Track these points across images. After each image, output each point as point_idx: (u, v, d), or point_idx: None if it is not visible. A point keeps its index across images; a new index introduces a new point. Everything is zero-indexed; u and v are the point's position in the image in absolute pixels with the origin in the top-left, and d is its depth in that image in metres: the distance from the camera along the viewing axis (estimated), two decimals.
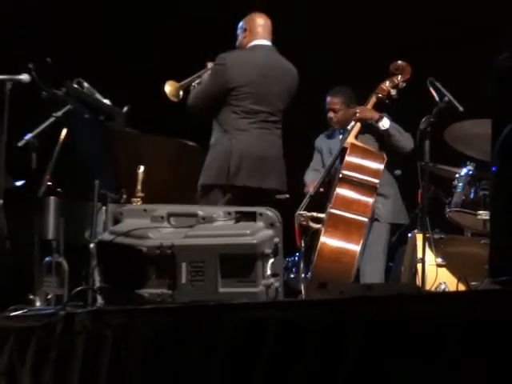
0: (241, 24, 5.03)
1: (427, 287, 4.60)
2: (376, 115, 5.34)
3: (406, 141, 5.28)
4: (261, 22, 4.98)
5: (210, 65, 5.08)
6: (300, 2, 6.86)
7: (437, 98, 4.76)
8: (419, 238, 4.88)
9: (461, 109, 4.79)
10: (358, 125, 5.36)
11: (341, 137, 5.51)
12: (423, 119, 4.73)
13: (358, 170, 5.12)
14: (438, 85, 4.79)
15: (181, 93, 5.10)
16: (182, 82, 5.13)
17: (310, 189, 5.36)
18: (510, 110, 2.45)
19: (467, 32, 6.24)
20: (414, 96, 5.13)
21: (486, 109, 2.67)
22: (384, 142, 5.35)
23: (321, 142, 5.71)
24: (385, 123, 5.31)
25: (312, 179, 5.52)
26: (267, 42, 4.98)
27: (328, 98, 5.59)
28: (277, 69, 4.93)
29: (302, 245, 5.15)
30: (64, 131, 5.17)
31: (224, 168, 4.76)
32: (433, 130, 4.70)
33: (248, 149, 4.79)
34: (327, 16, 6.73)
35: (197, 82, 5.09)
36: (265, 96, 4.85)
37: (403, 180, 5.48)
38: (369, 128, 5.40)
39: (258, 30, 4.96)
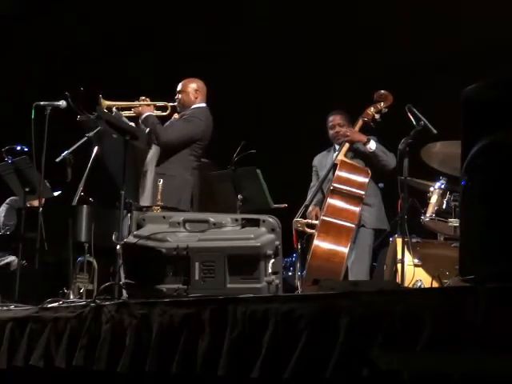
0: (193, 86, 5.28)
1: (406, 284, 4.60)
2: (364, 138, 5.31)
3: (389, 160, 5.25)
4: (203, 86, 5.32)
5: (143, 99, 5.27)
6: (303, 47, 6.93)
7: (414, 122, 4.77)
8: (399, 241, 4.87)
9: (434, 131, 4.78)
10: (347, 144, 5.36)
11: (334, 154, 5.51)
12: (402, 140, 4.73)
13: (346, 183, 5.12)
14: (415, 110, 4.79)
15: (105, 110, 5.19)
16: (110, 103, 5.24)
17: (312, 213, 5.32)
18: (475, 133, 2.46)
19: (441, 62, 6.27)
20: (395, 120, 5.14)
21: (456, 131, 2.67)
22: (370, 160, 5.33)
23: (317, 160, 5.67)
24: (372, 145, 5.29)
25: (313, 207, 5.42)
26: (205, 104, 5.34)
27: (331, 117, 5.50)
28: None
29: (299, 247, 5.16)
30: (95, 149, 5.20)
31: (187, 197, 5.08)
32: (411, 150, 4.70)
33: (196, 183, 5.18)
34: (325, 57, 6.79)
35: (121, 106, 5.25)
36: (206, 147, 5.25)
37: (385, 192, 5.48)
38: (356, 147, 5.40)
39: (203, 93, 5.30)
